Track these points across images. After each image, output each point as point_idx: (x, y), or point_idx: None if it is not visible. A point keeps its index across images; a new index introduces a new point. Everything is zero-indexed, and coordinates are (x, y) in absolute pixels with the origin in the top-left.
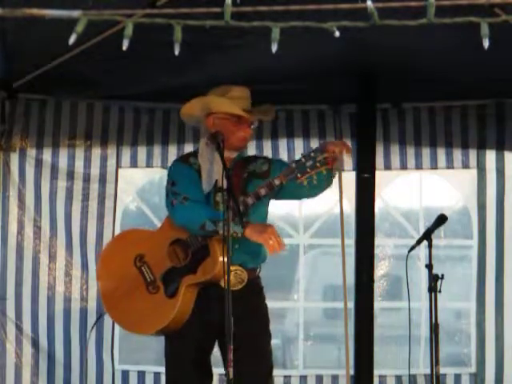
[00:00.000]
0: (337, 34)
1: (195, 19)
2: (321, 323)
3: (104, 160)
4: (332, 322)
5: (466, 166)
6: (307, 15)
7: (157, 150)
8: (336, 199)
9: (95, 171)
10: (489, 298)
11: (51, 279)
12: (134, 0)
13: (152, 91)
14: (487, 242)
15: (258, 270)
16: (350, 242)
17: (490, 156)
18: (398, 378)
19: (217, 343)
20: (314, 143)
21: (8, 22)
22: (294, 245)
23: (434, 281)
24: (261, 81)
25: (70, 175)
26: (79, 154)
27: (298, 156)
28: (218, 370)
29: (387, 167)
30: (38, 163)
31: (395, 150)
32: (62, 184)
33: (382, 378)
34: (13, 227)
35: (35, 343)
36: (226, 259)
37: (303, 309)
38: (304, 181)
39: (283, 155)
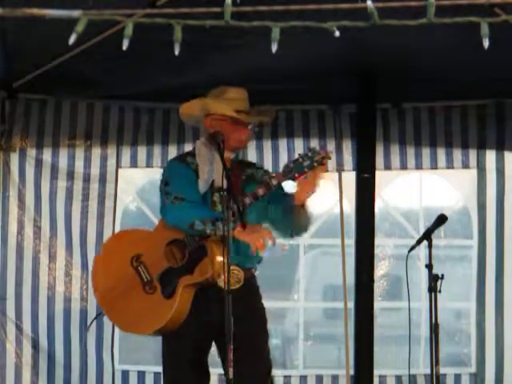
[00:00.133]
0: (337, 33)
1: (195, 19)
2: (321, 323)
3: (104, 160)
4: (332, 322)
5: (465, 166)
6: (307, 15)
7: (157, 149)
8: (336, 199)
9: (95, 171)
10: (489, 298)
11: (51, 279)
12: (134, 0)
13: (152, 91)
14: (487, 242)
15: (254, 270)
16: (350, 242)
17: (490, 156)
18: (398, 378)
19: (214, 343)
20: (314, 143)
21: (8, 22)
22: (294, 245)
23: (434, 281)
24: (261, 81)
25: (70, 175)
26: (79, 154)
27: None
28: (217, 370)
29: (387, 167)
30: (38, 163)
31: (395, 149)
32: (61, 184)
33: (382, 377)
34: (13, 227)
35: (35, 343)
36: (224, 259)
37: (303, 309)
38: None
39: (283, 155)
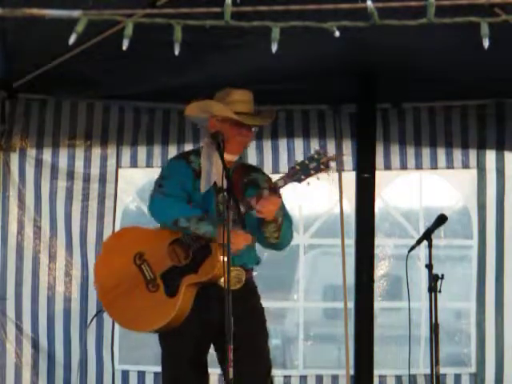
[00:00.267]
0: (337, 33)
1: (195, 19)
2: (321, 323)
3: (104, 160)
4: (332, 322)
5: (465, 166)
6: (307, 15)
7: (157, 149)
8: (336, 199)
9: (95, 171)
10: (489, 298)
11: (51, 279)
12: (134, 0)
13: (152, 91)
14: (487, 242)
15: (253, 270)
16: (350, 242)
17: (490, 156)
18: (398, 378)
19: (213, 345)
20: (314, 143)
21: (8, 22)
22: (294, 245)
23: (434, 281)
24: (261, 81)
25: (70, 175)
26: (79, 154)
27: (297, 155)
28: (217, 370)
29: (387, 167)
30: (38, 163)
31: (395, 149)
32: (61, 184)
33: (382, 377)
34: (13, 227)
35: (35, 343)
36: (225, 259)
37: (303, 309)
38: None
39: (283, 155)
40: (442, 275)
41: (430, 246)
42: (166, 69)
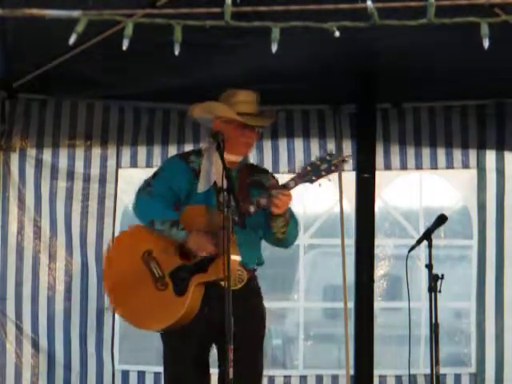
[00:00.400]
0: (337, 34)
1: (195, 19)
2: (321, 323)
3: (104, 160)
4: (332, 322)
5: (466, 166)
6: (307, 15)
7: (157, 150)
8: (336, 199)
9: (95, 171)
10: (489, 298)
11: (51, 279)
12: (134, 0)
13: (152, 91)
14: (487, 242)
15: (255, 270)
16: (350, 242)
17: (490, 156)
18: (398, 378)
19: (214, 343)
20: (314, 143)
21: (8, 22)
22: (294, 245)
23: (434, 281)
24: (261, 81)
25: (70, 175)
26: (79, 153)
27: (297, 155)
28: (216, 370)
29: (387, 167)
30: (38, 163)
31: (395, 150)
32: (62, 184)
33: (382, 378)
34: (13, 227)
35: (35, 343)
36: (225, 259)
37: (303, 309)
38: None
39: (283, 155)
40: (442, 275)
41: (430, 246)
42: (166, 69)
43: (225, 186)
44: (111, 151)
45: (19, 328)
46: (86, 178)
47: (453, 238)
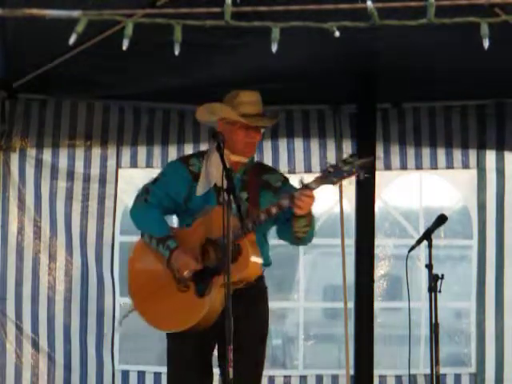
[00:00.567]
0: (337, 34)
1: (195, 19)
2: (321, 323)
3: (104, 160)
4: (332, 322)
5: (466, 166)
6: (307, 15)
7: (157, 150)
8: (336, 199)
9: (95, 171)
10: (489, 298)
11: (51, 279)
12: (134, 0)
13: (152, 91)
14: (487, 242)
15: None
16: (350, 242)
17: (490, 156)
18: (398, 378)
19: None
20: (314, 143)
21: (8, 22)
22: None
23: (434, 281)
24: (261, 81)
25: (70, 175)
26: (79, 154)
27: (297, 155)
28: (217, 370)
29: (387, 167)
30: (38, 163)
31: (395, 150)
32: (62, 184)
33: (382, 378)
34: (13, 227)
35: (35, 343)
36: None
37: (303, 309)
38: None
39: (283, 155)
40: (442, 275)
41: (430, 246)
42: (166, 69)
43: (225, 186)
44: (111, 151)
45: (19, 328)
46: (86, 178)
47: (453, 237)
